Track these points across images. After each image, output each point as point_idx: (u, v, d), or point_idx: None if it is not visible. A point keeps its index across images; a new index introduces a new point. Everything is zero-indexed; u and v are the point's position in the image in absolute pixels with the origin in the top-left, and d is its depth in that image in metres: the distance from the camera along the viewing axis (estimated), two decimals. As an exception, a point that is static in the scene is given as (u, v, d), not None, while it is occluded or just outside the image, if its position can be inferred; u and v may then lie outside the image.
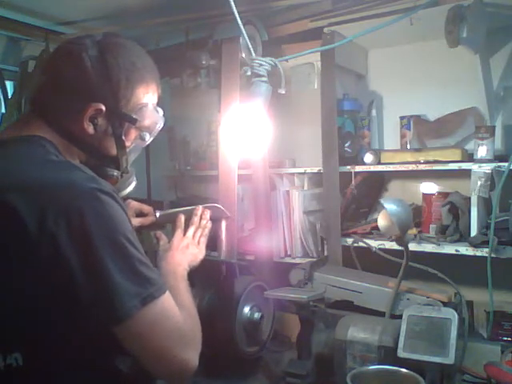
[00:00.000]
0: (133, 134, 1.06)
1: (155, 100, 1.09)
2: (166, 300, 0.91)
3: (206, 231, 1.36)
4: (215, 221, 1.40)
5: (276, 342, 1.84)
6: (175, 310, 0.93)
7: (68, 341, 0.87)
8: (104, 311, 0.84)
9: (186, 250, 1.27)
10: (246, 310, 1.60)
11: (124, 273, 0.84)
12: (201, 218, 1.35)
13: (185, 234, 1.31)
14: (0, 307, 0.86)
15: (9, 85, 2.30)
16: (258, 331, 1.65)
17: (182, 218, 1.34)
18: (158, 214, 1.40)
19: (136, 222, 1.39)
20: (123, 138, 1.04)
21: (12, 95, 2.24)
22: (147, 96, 1.05)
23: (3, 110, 2.26)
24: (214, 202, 1.48)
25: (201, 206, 1.37)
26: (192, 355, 0.93)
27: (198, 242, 1.32)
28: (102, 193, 0.86)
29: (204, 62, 1.95)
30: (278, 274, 1.91)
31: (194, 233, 1.32)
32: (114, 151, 1.05)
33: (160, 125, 1.12)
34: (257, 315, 1.61)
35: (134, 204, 1.43)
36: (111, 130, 1.01)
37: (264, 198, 2.02)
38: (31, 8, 1.97)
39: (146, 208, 1.41)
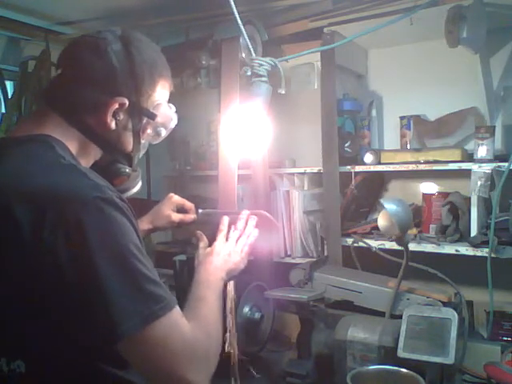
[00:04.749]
0: (147, 130, 1.05)
1: (168, 97, 1.08)
2: (173, 317, 0.84)
3: (251, 239, 1.27)
4: (260, 230, 1.30)
5: (276, 342, 1.84)
6: (184, 328, 0.86)
7: (71, 352, 0.83)
8: (102, 328, 0.79)
9: (227, 257, 1.19)
10: (246, 309, 1.60)
11: (125, 290, 0.79)
12: (246, 224, 1.27)
13: (227, 239, 1.23)
14: (3, 313, 0.85)
15: (9, 85, 2.30)
16: (258, 331, 1.65)
17: (227, 220, 1.27)
18: (199, 211, 1.34)
19: (176, 217, 1.37)
20: (140, 133, 1.03)
21: (12, 95, 2.23)
22: (164, 92, 1.05)
23: (3, 110, 2.26)
24: (214, 203, 1.47)
25: (248, 211, 1.29)
26: (200, 377, 0.85)
27: (241, 250, 1.23)
28: (105, 203, 0.82)
29: (204, 62, 1.95)
30: (278, 274, 1.91)
31: (238, 239, 1.25)
32: (130, 147, 1.03)
33: (174, 121, 1.10)
34: (257, 315, 1.61)
35: (177, 199, 1.40)
36: (131, 126, 1.00)
37: (264, 198, 2.02)
38: (31, 8, 1.97)
39: (188, 204, 1.38)
